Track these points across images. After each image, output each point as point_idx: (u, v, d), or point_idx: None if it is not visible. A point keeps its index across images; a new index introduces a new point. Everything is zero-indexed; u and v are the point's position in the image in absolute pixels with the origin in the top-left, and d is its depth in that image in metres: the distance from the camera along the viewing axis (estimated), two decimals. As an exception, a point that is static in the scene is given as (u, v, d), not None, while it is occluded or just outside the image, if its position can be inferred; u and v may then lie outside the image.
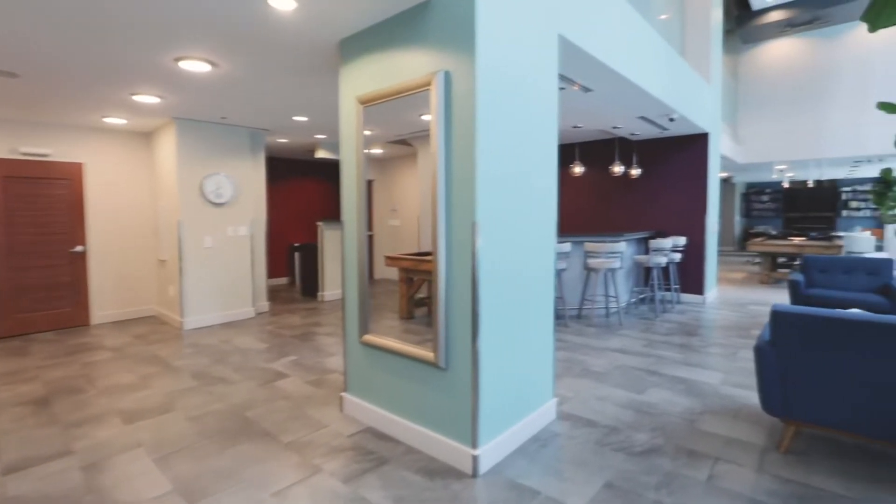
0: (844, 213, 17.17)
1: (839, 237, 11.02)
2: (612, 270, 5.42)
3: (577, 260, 5.78)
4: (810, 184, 14.24)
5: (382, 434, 2.79)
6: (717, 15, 7.05)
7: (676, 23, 6.70)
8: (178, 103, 4.65)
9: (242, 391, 3.51)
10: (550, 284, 2.92)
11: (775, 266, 9.01)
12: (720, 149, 8.20)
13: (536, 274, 2.77)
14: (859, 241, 14.67)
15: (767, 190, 18.48)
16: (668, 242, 5.90)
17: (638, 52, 4.33)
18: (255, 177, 6.25)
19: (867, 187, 16.49)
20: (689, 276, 6.82)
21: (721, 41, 7.50)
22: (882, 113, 9.49)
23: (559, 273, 5.46)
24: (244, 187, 5.99)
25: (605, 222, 7.78)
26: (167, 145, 5.61)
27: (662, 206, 7.09)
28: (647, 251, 6.74)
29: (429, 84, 2.36)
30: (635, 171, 6.86)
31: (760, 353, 2.54)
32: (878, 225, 16.51)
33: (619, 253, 5.44)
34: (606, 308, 5.81)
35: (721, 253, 15.44)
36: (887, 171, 11.45)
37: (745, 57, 10.90)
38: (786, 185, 15.51)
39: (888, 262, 5.14)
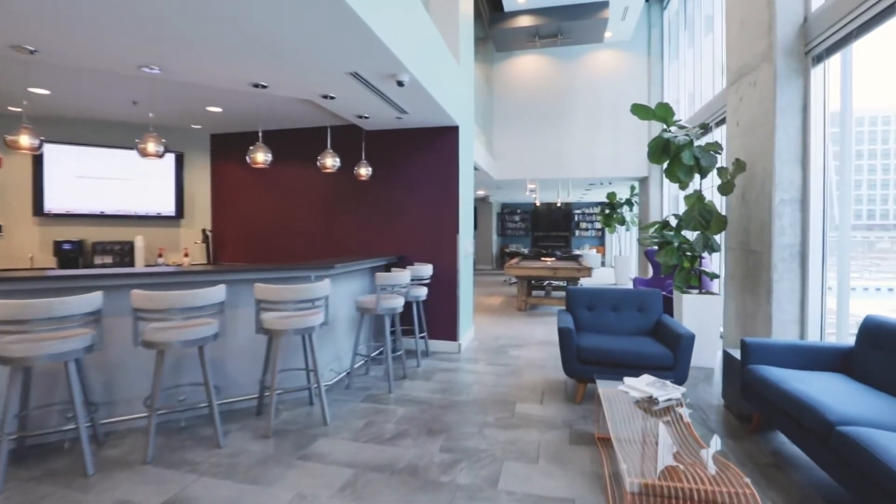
0: (577, 232, 19.20)
1: (581, 256, 11.30)
2: (310, 331, 3.12)
3: (249, 313, 3.32)
4: (559, 204, 15.04)
5: None
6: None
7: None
8: None
9: None
10: None
11: (531, 289, 8.23)
12: (475, 157, 6.91)
13: None
14: (591, 258, 16.25)
15: (519, 210, 19.54)
16: (405, 276, 3.94)
17: None
18: None
19: (593, 210, 18.69)
20: (440, 316, 5.07)
21: (472, 28, 6.17)
22: (610, 138, 9.79)
23: (200, 346, 2.87)
24: None
25: (331, 245, 5.57)
26: None
27: (405, 223, 5.23)
28: (384, 285, 4.70)
29: None
30: (365, 171, 4.80)
31: None
32: (601, 243, 18.83)
33: (321, 299, 3.18)
34: (309, 389, 3.49)
35: (478, 272, 15.17)
36: (612, 195, 12.37)
37: (499, 67, 10.34)
38: (538, 203, 16.26)
39: (656, 294, 4.19)
